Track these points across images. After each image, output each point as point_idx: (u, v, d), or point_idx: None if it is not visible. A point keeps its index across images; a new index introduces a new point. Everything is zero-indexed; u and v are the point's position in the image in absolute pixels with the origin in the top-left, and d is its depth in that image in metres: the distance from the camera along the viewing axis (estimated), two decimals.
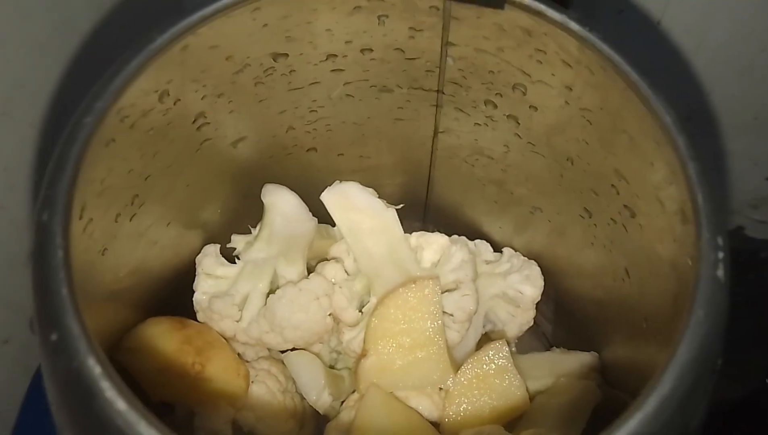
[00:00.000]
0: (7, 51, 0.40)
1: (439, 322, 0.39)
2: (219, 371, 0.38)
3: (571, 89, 0.31)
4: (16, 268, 0.45)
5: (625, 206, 0.33)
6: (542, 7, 0.28)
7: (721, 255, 0.23)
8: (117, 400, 0.19)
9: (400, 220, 0.40)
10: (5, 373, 0.48)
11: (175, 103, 0.32)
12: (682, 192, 0.24)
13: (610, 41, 0.26)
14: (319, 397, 0.40)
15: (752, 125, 0.56)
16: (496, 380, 0.39)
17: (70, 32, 0.45)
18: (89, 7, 0.46)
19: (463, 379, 0.39)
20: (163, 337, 0.37)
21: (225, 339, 0.40)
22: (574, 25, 0.27)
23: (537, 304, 0.43)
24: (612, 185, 0.34)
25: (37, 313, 0.22)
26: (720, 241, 0.23)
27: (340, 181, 0.40)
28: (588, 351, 0.42)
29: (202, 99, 0.34)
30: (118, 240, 0.33)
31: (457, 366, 0.39)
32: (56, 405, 0.21)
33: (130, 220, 0.34)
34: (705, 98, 0.54)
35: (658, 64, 0.52)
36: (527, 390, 0.39)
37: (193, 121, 0.35)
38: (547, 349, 0.46)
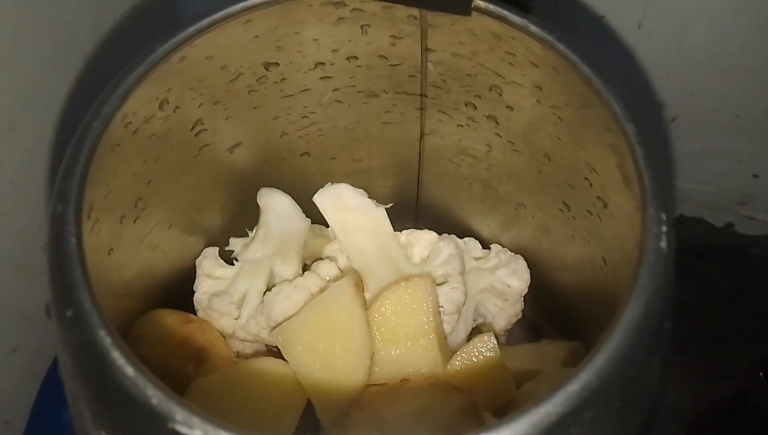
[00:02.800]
0: (12, 68, 0.41)
1: (430, 317, 0.40)
2: (213, 370, 0.39)
3: (540, 88, 0.33)
4: (23, 277, 0.46)
5: (598, 197, 0.35)
6: (505, 13, 0.30)
7: (664, 228, 0.25)
8: (126, 367, 0.22)
9: (392, 221, 0.41)
10: (14, 381, 0.49)
11: (174, 111, 0.34)
12: (633, 175, 0.26)
13: (567, 41, 0.29)
14: None
15: (735, 124, 0.56)
16: (484, 370, 0.41)
17: (72, 49, 0.46)
18: (90, 25, 0.48)
19: (452, 370, 0.40)
20: (169, 328, 0.38)
21: (224, 336, 0.42)
22: (534, 28, 0.29)
23: (525, 297, 0.45)
24: (585, 178, 0.36)
25: (53, 295, 0.24)
26: (663, 216, 0.25)
27: (332, 183, 0.42)
28: (574, 340, 0.43)
29: (199, 106, 0.36)
30: (123, 241, 0.35)
31: (448, 358, 0.41)
32: (71, 376, 0.23)
33: (134, 222, 0.36)
34: (688, 98, 0.55)
35: (640, 67, 0.54)
36: (513, 379, 0.41)
37: (192, 128, 0.37)
38: (535, 341, 0.48)
